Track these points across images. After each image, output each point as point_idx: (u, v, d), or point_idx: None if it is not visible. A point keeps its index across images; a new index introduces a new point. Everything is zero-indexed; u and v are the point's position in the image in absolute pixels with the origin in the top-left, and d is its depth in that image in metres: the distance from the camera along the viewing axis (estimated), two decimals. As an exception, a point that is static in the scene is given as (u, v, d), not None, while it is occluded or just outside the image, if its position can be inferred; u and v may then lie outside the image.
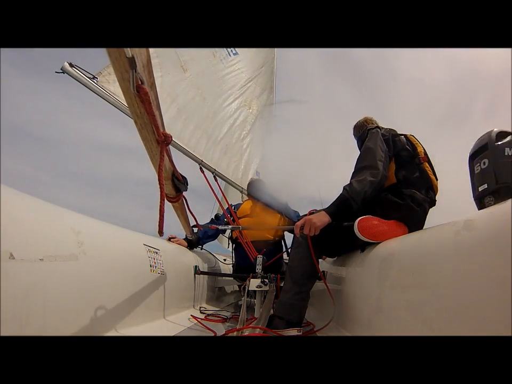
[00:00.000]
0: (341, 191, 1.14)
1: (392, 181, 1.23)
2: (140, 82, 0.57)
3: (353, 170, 1.21)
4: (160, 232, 0.86)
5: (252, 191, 2.26)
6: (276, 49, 4.28)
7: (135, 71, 0.54)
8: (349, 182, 1.15)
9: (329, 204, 1.18)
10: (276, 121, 3.72)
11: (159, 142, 0.79)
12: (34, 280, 0.59)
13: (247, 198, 2.35)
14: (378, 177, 1.14)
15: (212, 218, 2.16)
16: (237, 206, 2.20)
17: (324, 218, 1.11)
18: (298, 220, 1.19)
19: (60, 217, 0.78)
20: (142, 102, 0.62)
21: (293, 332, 1.08)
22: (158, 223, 0.85)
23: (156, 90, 0.70)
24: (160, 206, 0.84)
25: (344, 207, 1.12)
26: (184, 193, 1.19)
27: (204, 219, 2.25)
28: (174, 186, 1.09)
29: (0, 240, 0.52)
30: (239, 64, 3.63)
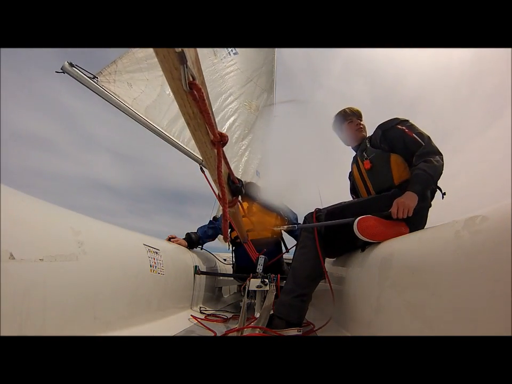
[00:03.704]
0: (417, 172, 1.13)
1: (406, 177, 1.25)
2: (191, 79, 0.52)
3: (418, 153, 1.19)
4: (226, 239, 0.84)
5: (249, 192, 2.25)
6: (275, 49, 4.28)
7: (186, 66, 0.49)
8: (422, 162, 1.13)
9: (411, 185, 1.15)
10: (276, 121, 3.71)
11: (213, 142, 0.73)
12: (34, 280, 0.59)
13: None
14: (443, 163, 1.16)
15: (210, 220, 2.16)
16: None
17: (414, 199, 1.10)
18: (297, 221, 1.18)
19: (60, 217, 0.78)
20: (195, 101, 0.57)
21: (292, 331, 1.08)
22: (222, 229, 0.82)
23: (207, 89, 0.63)
24: (223, 211, 0.82)
25: (428, 187, 1.11)
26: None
27: (205, 219, 2.26)
28: (230, 190, 1.03)
29: (0, 240, 0.52)
30: (239, 64, 3.63)
